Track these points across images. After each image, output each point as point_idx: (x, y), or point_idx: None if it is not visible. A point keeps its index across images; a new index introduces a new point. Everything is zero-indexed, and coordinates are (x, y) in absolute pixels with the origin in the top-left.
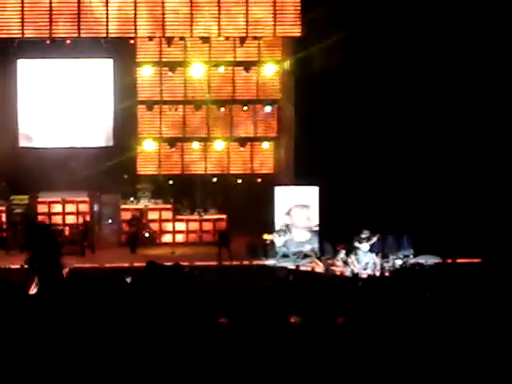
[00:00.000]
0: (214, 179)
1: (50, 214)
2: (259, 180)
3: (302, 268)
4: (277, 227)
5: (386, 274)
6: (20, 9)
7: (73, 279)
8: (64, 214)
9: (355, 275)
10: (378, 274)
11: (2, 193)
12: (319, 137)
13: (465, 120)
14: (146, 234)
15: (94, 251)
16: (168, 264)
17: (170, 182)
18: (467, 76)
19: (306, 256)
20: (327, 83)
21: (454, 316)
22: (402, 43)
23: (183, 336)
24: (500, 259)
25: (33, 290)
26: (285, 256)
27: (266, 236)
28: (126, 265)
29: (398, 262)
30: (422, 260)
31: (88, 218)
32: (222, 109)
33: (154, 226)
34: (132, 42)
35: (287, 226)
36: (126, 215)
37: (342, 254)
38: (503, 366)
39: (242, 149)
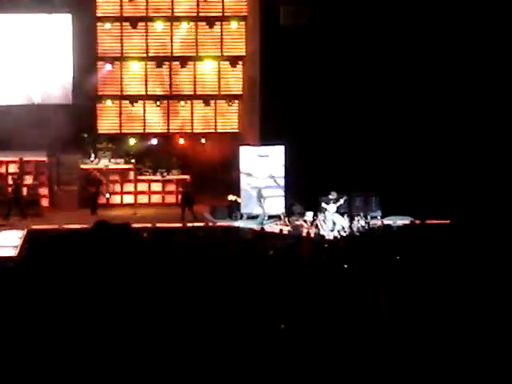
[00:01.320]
0: (180, 140)
1: (6, 174)
2: (224, 139)
3: (268, 229)
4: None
5: (353, 234)
6: None
7: (33, 242)
8: (22, 173)
9: (321, 236)
10: (344, 235)
11: None
12: (285, 95)
13: (434, 82)
14: (107, 195)
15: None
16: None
17: (132, 141)
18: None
19: (272, 217)
20: (294, 40)
21: (425, 279)
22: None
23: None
24: (469, 221)
25: None
26: (251, 217)
27: (230, 197)
28: (86, 226)
29: (365, 223)
30: (390, 221)
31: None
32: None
33: (116, 188)
34: None
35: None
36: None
37: (310, 215)
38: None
39: (206, 107)
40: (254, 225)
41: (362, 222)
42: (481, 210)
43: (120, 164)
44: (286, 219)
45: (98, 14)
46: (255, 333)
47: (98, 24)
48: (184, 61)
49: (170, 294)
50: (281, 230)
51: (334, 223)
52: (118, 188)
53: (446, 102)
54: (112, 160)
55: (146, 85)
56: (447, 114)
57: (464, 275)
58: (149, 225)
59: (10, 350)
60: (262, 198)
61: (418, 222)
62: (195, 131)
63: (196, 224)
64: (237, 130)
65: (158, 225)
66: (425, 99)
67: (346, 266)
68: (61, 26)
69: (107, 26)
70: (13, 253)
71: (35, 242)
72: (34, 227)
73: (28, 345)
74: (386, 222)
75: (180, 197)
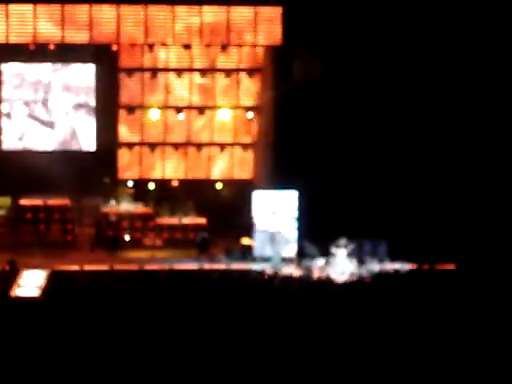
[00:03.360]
0: (194, 185)
1: (32, 216)
2: (239, 185)
3: (281, 272)
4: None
5: (362, 279)
6: (4, 14)
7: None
8: (46, 216)
9: (331, 280)
10: (354, 279)
11: None
12: (298, 143)
13: (440, 126)
14: (127, 237)
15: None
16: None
17: (151, 185)
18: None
19: (284, 259)
20: (306, 92)
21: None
22: (381, 54)
23: None
24: (475, 265)
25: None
26: (264, 260)
27: (244, 240)
28: (105, 268)
29: (375, 268)
30: (398, 266)
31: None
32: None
33: (135, 229)
34: (115, 48)
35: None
36: (108, 219)
37: (320, 258)
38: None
39: (222, 154)
40: (267, 267)
41: (371, 267)
42: (488, 255)
43: (139, 208)
44: (298, 262)
45: (121, 65)
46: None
47: (121, 74)
48: (202, 110)
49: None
50: (292, 273)
51: (344, 267)
52: (136, 231)
53: (450, 150)
54: (132, 204)
55: (165, 132)
56: (452, 161)
57: (470, 319)
58: (166, 266)
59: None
60: (274, 241)
61: (426, 266)
62: (212, 177)
63: (211, 266)
64: (251, 176)
65: (175, 266)
66: (430, 146)
67: (355, 308)
68: (85, 75)
69: (129, 76)
70: (36, 293)
71: (58, 283)
72: (57, 268)
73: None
74: (395, 266)
75: (196, 239)
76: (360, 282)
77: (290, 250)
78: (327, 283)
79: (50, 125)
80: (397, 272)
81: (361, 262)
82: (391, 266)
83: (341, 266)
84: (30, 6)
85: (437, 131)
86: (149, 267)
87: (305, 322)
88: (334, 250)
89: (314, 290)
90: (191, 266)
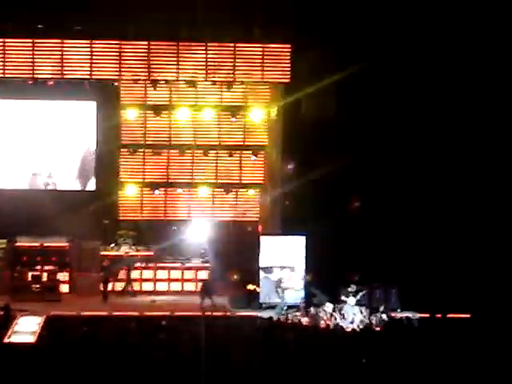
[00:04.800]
0: (200, 227)
1: (28, 259)
2: (245, 228)
3: (288, 320)
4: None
5: (373, 328)
6: (2, 48)
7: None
8: (42, 259)
9: (340, 328)
10: (363, 327)
11: None
12: (306, 185)
13: (456, 167)
14: (129, 282)
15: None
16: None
17: (153, 228)
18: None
19: (291, 306)
20: (316, 129)
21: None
22: (394, 90)
23: None
24: (490, 315)
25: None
26: (270, 307)
27: (249, 286)
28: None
29: (386, 317)
30: (410, 314)
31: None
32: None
33: (135, 274)
34: (116, 84)
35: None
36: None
37: (329, 306)
38: None
39: (227, 196)
40: (272, 314)
41: (383, 316)
42: (503, 305)
43: (140, 251)
44: (306, 310)
45: (123, 102)
46: None
47: (122, 112)
48: (206, 149)
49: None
50: (299, 321)
51: (354, 315)
52: (137, 274)
53: (468, 199)
54: (132, 247)
55: (168, 172)
56: (468, 210)
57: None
58: (167, 313)
59: None
60: (280, 287)
61: (438, 315)
62: (216, 219)
63: (215, 313)
64: (257, 219)
65: (177, 313)
66: (446, 195)
67: (364, 360)
68: (85, 112)
69: (131, 113)
70: (31, 339)
71: (53, 329)
72: (53, 313)
73: None
74: (406, 315)
75: (200, 285)
76: (370, 330)
77: (297, 297)
78: (336, 331)
79: (48, 163)
80: (409, 321)
81: (371, 309)
82: (403, 315)
83: (350, 313)
84: (29, 41)
85: (454, 180)
86: (149, 313)
87: (311, 372)
88: (343, 297)
89: (321, 339)
90: (194, 312)
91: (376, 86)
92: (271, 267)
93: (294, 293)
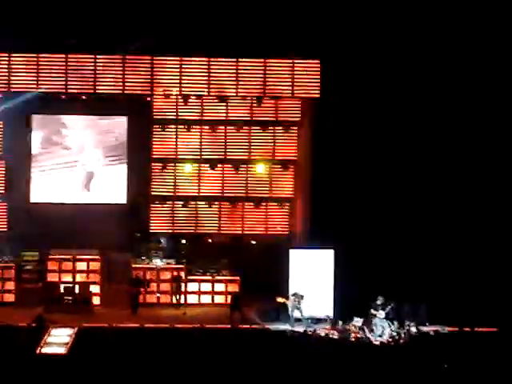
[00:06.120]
0: (231, 241)
1: (60, 272)
2: (274, 241)
3: (315, 333)
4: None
5: (402, 341)
6: (36, 64)
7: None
8: (74, 271)
9: (369, 341)
10: (392, 341)
11: (12, 249)
12: (336, 199)
13: (469, 183)
14: (157, 294)
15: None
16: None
17: (183, 241)
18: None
19: (319, 320)
20: (345, 144)
21: None
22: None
23: None
24: None
25: (41, 350)
26: (298, 320)
27: (278, 299)
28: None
29: (414, 330)
30: (439, 328)
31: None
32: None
33: (166, 287)
34: (148, 99)
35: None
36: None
37: (358, 320)
38: None
39: (257, 209)
40: (302, 327)
41: (413, 329)
42: None
43: (171, 264)
44: (335, 323)
45: (154, 116)
46: None
47: (154, 126)
48: (237, 163)
49: None
50: (327, 334)
51: (383, 329)
52: (167, 287)
53: (491, 214)
54: (163, 260)
55: (199, 186)
56: (492, 225)
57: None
58: (197, 325)
59: None
60: (300, 301)
61: (467, 329)
62: (246, 232)
63: (244, 326)
64: (287, 233)
65: (207, 326)
66: (474, 209)
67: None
68: (117, 127)
69: (162, 128)
70: (63, 350)
71: (85, 340)
72: (85, 325)
73: None
74: (435, 328)
75: (230, 298)
76: (399, 344)
77: (326, 311)
78: (364, 345)
79: (80, 177)
80: (437, 334)
81: (400, 323)
82: (431, 329)
83: (379, 326)
84: (61, 56)
85: (483, 196)
86: (180, 325)
87: None
88: (372, 310)
89: (350, 352)
90: (223, 325)
91: (406, 95)
92: (301, 280)
93: (323, 306)
